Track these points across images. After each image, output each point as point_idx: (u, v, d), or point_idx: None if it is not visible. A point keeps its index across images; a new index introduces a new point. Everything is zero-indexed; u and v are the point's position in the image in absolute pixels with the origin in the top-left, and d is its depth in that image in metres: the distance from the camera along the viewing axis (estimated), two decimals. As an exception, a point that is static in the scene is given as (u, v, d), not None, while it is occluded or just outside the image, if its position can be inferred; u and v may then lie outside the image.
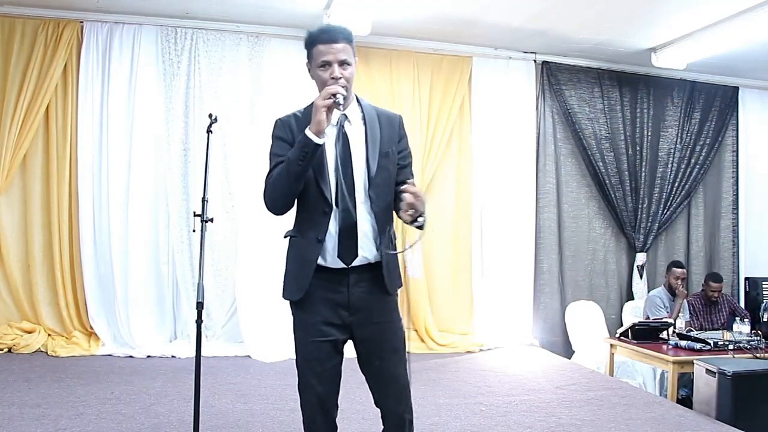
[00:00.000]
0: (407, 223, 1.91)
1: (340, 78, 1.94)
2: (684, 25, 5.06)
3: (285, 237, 2.10)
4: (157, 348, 4.89)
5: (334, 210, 1.97)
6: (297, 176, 1.90)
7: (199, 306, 2.69)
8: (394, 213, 2.08)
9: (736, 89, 6.51)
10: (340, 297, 2.00)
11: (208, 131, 3.12)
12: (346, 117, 2.03)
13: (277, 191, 1.95)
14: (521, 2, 4.71)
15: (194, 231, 3.08)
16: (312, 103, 1.93)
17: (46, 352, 4.72)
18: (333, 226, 1.97)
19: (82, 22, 4.97)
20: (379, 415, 2.10)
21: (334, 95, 1.86)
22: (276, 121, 2.05)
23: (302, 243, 2.01)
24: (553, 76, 5.96)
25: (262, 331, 4.98)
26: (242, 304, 5.05)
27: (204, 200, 2.95)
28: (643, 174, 6.18)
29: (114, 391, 3.83)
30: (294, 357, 2.12)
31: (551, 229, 5.95)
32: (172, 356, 4.82)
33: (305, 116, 1.98)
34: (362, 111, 2.07)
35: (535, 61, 5.94)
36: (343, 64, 1.96)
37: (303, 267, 2.00)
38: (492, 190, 5.73)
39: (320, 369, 2.02)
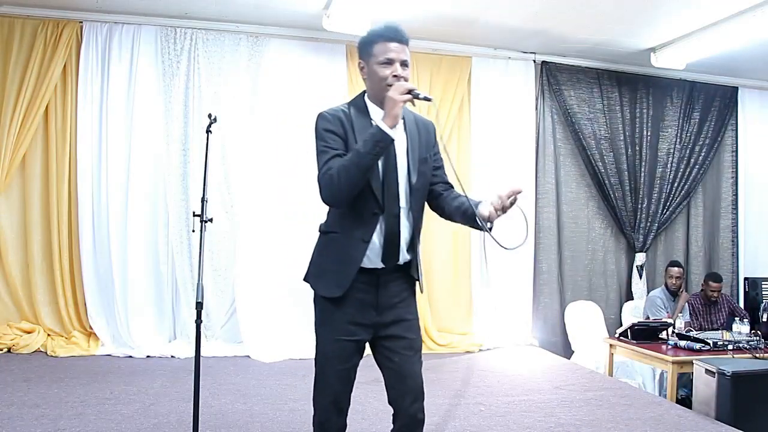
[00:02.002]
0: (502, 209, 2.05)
1: (401, 77, 1.95)
2: (684, 25, 5.06)
3: (321, 232, 2.09)
4: (157, 348, 4.89)
5: (382, 213, 1.99)
6: (367, 169, 1.89)
7: (199, 306, 2.69)
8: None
9: (735, 89, 6.52)
10: (370, 297, 2.02)
11: (208, 131, 3.12)
12: None
13: (344, 184, 1.90)
14: (521, 2, 4.71)
15: (194, 231, 3.09)
16: (352, 101, 2.02)
17: (46, 353, 4.72)
18: (380, 229, 1.99)
19: (81, 22, 4.97)
20: (381, 415, 2.10)
21: (410, 90, 1.88)
22: (323, 115, 2.02)
23: (346, 241, 2.00)
24: (552, 76, 5.96)
25: (262, 331, 4.97)
26: (241, 305, 5.05)
27: (203, 200, 2.95)
28: (642, 174, 6.18)
29: (113, 391, 3.83)
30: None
31: (551, 229, 5.95)
32: (172, 356, 4.82)
33: (356, 112, 2.01)
34: (403, 117, 2.07)
35: (534, 61, 5.94)
36: (404, 64, 1.98)
37: (346, 266, 1.99)
38: (491, 189, 5.70)
39: (340, 367, 2.02)
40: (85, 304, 4.97)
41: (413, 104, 1.93)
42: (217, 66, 5.15)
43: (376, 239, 1.99)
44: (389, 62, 1.96)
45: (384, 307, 2.03)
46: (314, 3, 4.71)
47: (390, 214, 1.99)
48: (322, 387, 2.05)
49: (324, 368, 2.05)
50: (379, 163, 1.96)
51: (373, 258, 2.00)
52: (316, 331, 2.08)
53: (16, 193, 4.97)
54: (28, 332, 4.85)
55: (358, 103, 2.06)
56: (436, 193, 2.15)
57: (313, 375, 2.07)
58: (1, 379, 3.96)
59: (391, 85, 1.93)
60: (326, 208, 2.06)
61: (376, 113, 2.02)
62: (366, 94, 2.08)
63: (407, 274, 2.08)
